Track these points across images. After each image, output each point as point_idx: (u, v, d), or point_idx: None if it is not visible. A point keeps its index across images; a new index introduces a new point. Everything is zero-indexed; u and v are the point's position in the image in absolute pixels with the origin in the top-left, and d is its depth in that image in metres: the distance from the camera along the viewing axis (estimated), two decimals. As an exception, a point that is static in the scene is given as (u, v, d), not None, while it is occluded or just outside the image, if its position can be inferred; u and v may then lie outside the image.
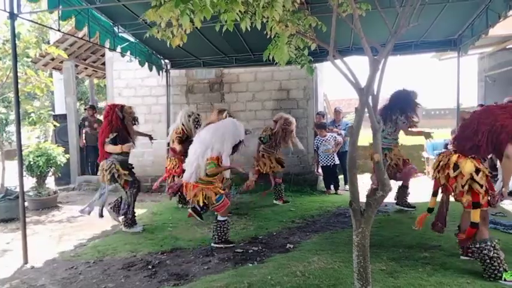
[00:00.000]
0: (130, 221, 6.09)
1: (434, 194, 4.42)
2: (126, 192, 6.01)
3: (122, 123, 5.91)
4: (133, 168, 6.23)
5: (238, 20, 2.71)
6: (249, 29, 3.00)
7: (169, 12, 2.65)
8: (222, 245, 5.21)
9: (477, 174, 3.89)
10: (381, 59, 2.81)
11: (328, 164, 8.78)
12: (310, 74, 3.48)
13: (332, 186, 8.96)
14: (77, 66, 11.32)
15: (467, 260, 4.33)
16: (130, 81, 9.94)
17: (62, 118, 10.49)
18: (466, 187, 3.93)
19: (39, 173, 7.91)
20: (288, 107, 9.32)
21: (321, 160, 8.91)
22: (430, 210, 4.44)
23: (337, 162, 8.81)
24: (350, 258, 3.26)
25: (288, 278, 4.01)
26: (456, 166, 4.01)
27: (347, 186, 8.88)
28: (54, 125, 9.22)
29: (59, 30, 5.64)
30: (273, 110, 9.24)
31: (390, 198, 7.24)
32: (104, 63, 11.11)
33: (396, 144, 6.66)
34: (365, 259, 3.09)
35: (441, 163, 4.24)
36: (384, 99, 6.44)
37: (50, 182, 9.55)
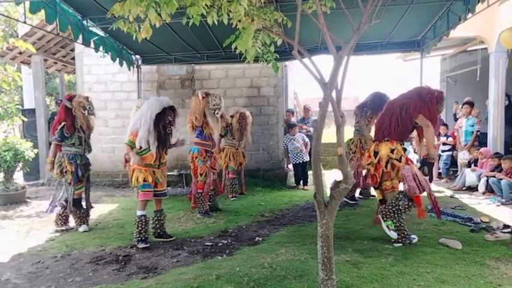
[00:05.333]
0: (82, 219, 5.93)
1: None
2: (69, 189, 5.82)
3: (67, 114, 5.72)
4: (89, 164, 6.05)
5: (205, 13, 2.77)
6: (217, 24, 3.06)
7: (137, 6, 2.68)
8: (139, 245, 5.04)
9: (393, 153, 4.65)
10: (344, 54, 2.92)
11: (298, 162, 8.95)
12: (275, 71, 3.56)
13: (301, 182, 9.11)
14: (46, 60, 11.11)
15: (427, 250, 4.53)
16: (101, 76, 9.84)
17: (30, 113, 10.31)
18: (389, 167, 4.69)
19: (6, 168, 7.77)
20: (259, 104, 9.42)
21: (291, 158, 9.07)
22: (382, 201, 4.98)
23: (307, 159, 8.97)
24: (316, 250, 3.36)
25: (255, 269, 4.10)
26: (376, 153, 4.76)
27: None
28: (22, 120, 9.07)
29: (25, 23, 5.53)
30: (244, 107, 9.30)
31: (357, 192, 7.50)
32: (73, 58, 10.93)
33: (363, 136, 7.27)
34: (329, 250, 3.18)
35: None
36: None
37: (19, 177, 9.37)
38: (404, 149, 4.78)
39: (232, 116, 7.90)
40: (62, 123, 5.69)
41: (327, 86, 2.96)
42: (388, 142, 4.68)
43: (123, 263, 4.53)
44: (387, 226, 4.66)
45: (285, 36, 3.24)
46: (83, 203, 5.98)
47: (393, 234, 4.67)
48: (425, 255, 4.42)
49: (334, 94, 3.06)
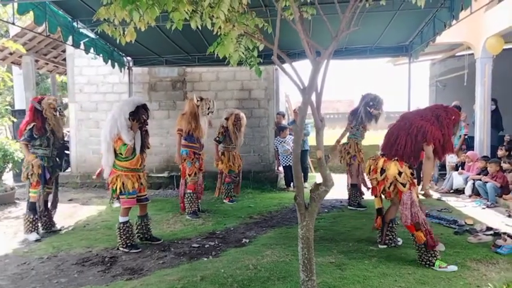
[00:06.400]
0: (32, 226, 5.63)
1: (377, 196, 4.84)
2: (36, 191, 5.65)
3: (36, 116, 5.61)
4: (57, 166, 5.94)
5: (188, 18, 2.82)
6: (205, 28, 3.11)
7: (122, 10, 2.72)
8: (127, 250, 4.97)
9: (400, 176, 4.40)
10: (322, 60, 2.98)
11: (288, 164, 8.99)
12: (258, 75, 3.62)
13: (292, 184, 9.16)
14: (37, 61, 11.11)
15: (411, 252, 4.58)
16: (92, 77, 9.85)
17: (21, 113, 10.26)
18: (392, 187, 4.49)
19: (-5, 169, 7.76)
20: (250, 106, 9.48)
21: (281, 160, 9.14)
22: (379, 210, 4.83)
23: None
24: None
25: (240, 271, 4.15)
26: (382, 170, 4.54)
27: (306, 184, 9.14)
28: (12, 121, 9.07)
29: (13, 24, 5.54)
30: (236, 109, 9.35)
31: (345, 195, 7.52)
32: (65, 59, 10.94)
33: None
34: (309, 251, 3.23)
35: (371, 167, 4.73)
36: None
37: (8, 178, 9.35)
38: (412, 174, 4.56)
39: (227, 119, 7.75)
40: (31, 124, 5.58)
41: (305, 90, 3.01)
42: (398, 163, 4.46)
43: (109, 265, 4.56)
44: (439, 266, 4.18)
45: (266, 41, 3.29)
46: (40, 207, 5.69)
47: (452, 268, 4.18)
48: (409, 256, 4.49)
49: (314, 98, 3.12)
